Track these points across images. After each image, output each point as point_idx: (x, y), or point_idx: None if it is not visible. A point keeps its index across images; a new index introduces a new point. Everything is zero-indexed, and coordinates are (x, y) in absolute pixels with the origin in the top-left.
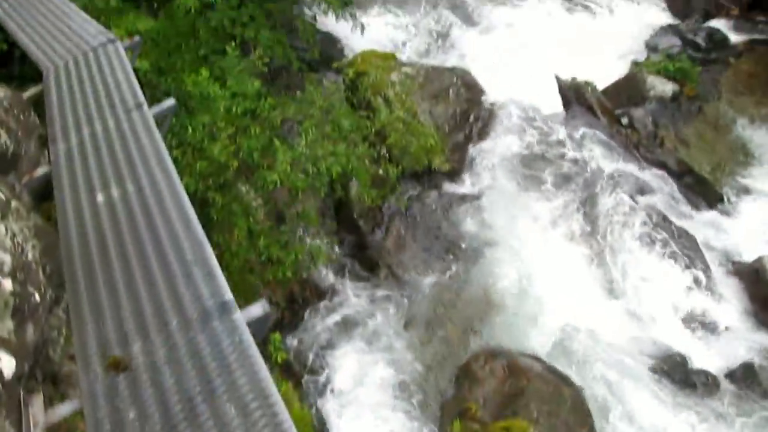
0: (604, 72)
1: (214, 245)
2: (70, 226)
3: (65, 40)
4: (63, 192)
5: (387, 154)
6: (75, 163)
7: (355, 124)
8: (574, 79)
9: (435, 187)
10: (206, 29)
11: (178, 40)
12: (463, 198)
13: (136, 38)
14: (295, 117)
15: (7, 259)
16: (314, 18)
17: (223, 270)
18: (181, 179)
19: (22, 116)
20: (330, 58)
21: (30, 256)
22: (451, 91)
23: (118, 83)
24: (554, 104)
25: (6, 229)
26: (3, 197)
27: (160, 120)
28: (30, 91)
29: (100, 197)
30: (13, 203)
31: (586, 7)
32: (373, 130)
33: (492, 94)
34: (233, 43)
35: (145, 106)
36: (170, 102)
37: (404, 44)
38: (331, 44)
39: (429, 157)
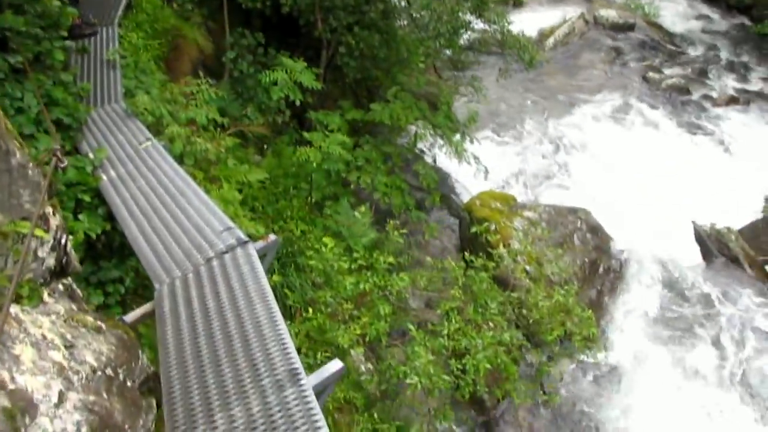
0: (734, 208)
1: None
2: None
3: (185, 239)
4: None
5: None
6: None
7: (500, 305)
8: (713, 225)
9: (568, 356)
10: (318, 172)
11: (286, 183)
12: (600, 369)
13: (272, 238)
14: (427, 289)
15: None
16: (434, 160)
17: None
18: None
19: (128, 380)
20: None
21: None
22: (576, 237)
23: (257, 324)
24: (690, 252)
25: None
26: None
27: (319, 391)
28: (137, 313)
29: None
30: None
31: (702, 131)
32: (530, 320)
33: (619, 240)
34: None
35: (302, 377)
36: (336, 366)
37: (517, 175)
38: (441, 178)
39: (588, 345)
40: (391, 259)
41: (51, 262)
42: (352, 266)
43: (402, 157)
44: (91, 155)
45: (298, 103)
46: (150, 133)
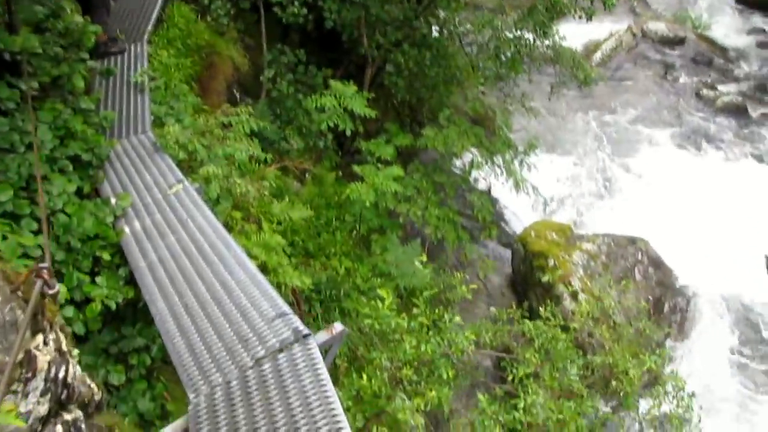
0: None
1: None
2: None
3: (227, 328)
4: None
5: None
6: None
7: (581, 369)
8: None
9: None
10: (368, 208)
11: (328, 215)
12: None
13: (338, 328)
14: (493, 345)
15: None
16: (489, 189)
17: None
18: None
19: None
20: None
21: None
22: (637, 271)
23: None
24: (763, 287)
25: None
26: None
27: None
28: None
29: None
30: None
31: (764, 152)
32: (620, 391)
33: (682, 274)
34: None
35: None
36: None
37: (568, 198)
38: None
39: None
40: (458, 319)
41: (43, 408)
42: (412, 324)
43: (455, 186)
44: (113, 201)
45: (349, 132)
46: (181, 171)
